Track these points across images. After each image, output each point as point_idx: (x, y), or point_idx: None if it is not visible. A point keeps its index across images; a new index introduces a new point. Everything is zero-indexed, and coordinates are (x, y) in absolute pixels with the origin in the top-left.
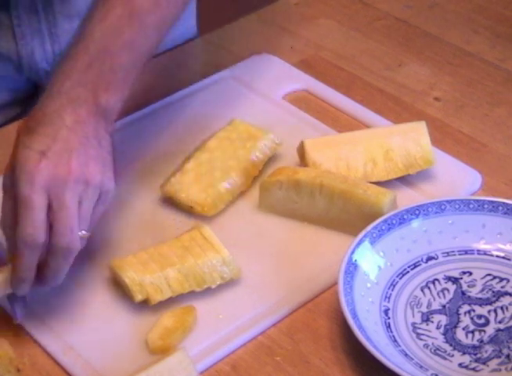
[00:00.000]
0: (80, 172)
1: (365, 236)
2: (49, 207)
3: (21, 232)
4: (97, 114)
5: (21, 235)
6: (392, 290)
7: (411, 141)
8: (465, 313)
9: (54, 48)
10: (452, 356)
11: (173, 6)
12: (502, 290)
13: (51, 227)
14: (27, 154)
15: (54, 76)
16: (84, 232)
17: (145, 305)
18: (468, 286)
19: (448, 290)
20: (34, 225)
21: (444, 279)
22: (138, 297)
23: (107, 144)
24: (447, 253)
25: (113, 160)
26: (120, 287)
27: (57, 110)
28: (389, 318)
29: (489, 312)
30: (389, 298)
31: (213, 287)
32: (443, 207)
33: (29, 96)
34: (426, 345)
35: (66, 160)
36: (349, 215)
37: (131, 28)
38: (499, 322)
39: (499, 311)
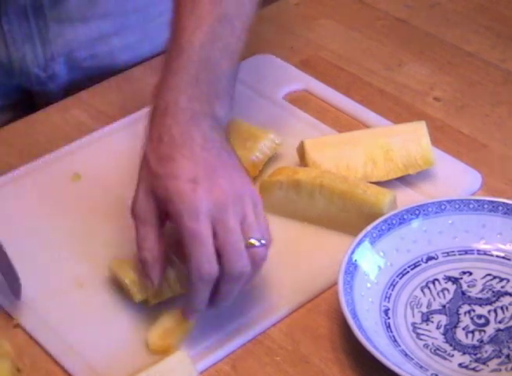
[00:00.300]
0: (232, 191)
1: (365, 236)
2: (214, 234)
3: (196, 268)
4: (217, 126)
5: (197, 271)
6: (392, 290)
7: (411, 141)
8: (465, 313)
9: (45, 52)
10: (452, 356)
11: (253, 5)
12: (502, 290)
13: (219, 255)
14: (179, 185)
15: (162, 91)
16: (263, 240)
17: (145, 305)
18: (468, 286)
19: (448, 290)
20: (210, 260)
21: (444, 279)
22: (138, 297)
23: (233, 151)
24: (447, 253)
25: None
26: (120, 288)
27: (185, 131)
28: (389, 318)
29: (489, 312)
30: (389, 298)
31: None
32: (443, 207)
33: (20, 101)
34: (426, 345)
35: (217, 182)
36: (349, 215)
37: (225, 34)
38: (499, 322)
39: (499, 311)
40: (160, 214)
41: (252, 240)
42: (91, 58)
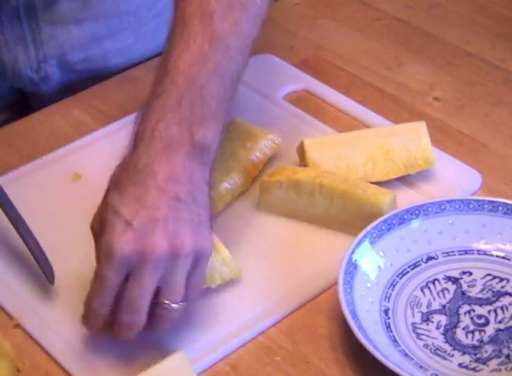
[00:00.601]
0: (166, 247)
1: (365, 236)
2: (127, 279)
3: (88, 300)
4: (194, 157)
5: (87, 303)
6: (392, 290)
7: (411, 141)
8: (465, 313)
9: (38, 54)
10: (452, 356)
11: (253, 26)
12: (503, 290)
13: (119, 299)
14: (114, 221)
15: (144, 115)
16: (176, 305)
17: None
18: (468, 286)
19: (448, 290)
20: (101, 302)
21: (444, 279)
22: None
23: (203, 196)
24: (447, 253)
25: (210, 212)
26: None
27: (151, 164)
28: (389, 318)
29: (489, 312)
30: (389, 298)
31: (213, 287)
32: (443, 207)
33: (15, 103)
34: (426, 345)
35: (151, 233)
36: (349, 215)
37: (216, 54)
38: (499, 322)
39: (499, 311)
40: None
41: (164, 301)
42: (84, 60)
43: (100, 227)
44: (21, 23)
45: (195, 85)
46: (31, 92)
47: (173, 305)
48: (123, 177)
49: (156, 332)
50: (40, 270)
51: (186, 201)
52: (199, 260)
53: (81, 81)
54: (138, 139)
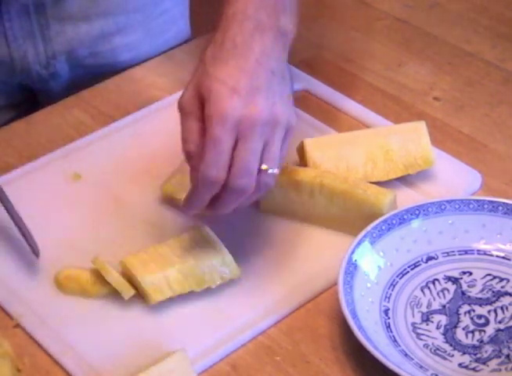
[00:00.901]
0: (268, 113)
1: (365, 236)
2: (234, 146)
3: (204, 170)
4: (280, 40)
5: (204, 173)
6: (392, 290)
7: (411, 141)
8: (465, 313)
9: (47, 50)
10: (452, 356)
11: None
12: (503, 290)
13: (230, 166)
14: (220, 89)
15: (229, 1)
16: (276, 170)
17: (145, 306)
18: (468, 286)
19: (448, 290)
20: (219, 167)
21: (444, 279)
22: (154, 298)
23: (288, 75)
24: (447, 253)
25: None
26: (132, 285)
27: (247, 41)
28: (389, 318)
29: (489, 312)
30: (389, 298)
31: (213, 287)
32: (443, 207)
33: (23, 101)
34: (426, 345)
35: (256, 99)
36: (349, 215)
37: None
38: (499, 322)
39: (499, 311)
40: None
41: (264, 166)
42: (93, 56)
43: (203, 98)
44: (30, 19)
45: None
46: (40, 88)
47: (273, 171)
48: (222, 52)
49: (255, 199)
50: (28, 248)
51: (278, 76)
52: (288, 131)
53: (89, 77)
54: (228, 19)
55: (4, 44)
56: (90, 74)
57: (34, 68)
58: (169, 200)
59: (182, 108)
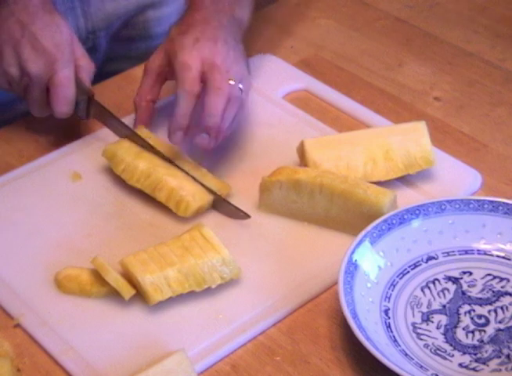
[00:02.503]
0: (228, 56)
1: (365, 236)
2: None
3: (182, 84)
4: (235, 24)
5: (182, 85)
6: (392, 290)
7: (411, 141)
8: (465, 313)
9: (87, 26)
10: (453, 356)
11: None
12: (503, 290)
13: (204, 80)
14: (184, 39)
15: None
16: (240, 85)
17: (145, 306)
18: (468, 286)
19: (448, 290)
20: (194, 79)
21: (444, 279)
22: (154, 298)
23: (241, 47)
24: (447, 253)
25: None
26: (132, 285)
27: (205, 19)
28: (389, 318)
29: (489, 312)
30: (389, 298)
31: (213, 287)
32: (443, 207)
33: None
34: (426, 345)
35: (216, 45)
36: (349, 215)
37: None
38: (499, 322)
39: (499, 311)
40: (161, 71)
41: (231, 82)
42: (127, 28)
43: (169, 52)
44: None
45: None
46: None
47: (240, 86)
48: (183, 26)
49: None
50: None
51: (234, 47)
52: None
53: (123, 52)
54: (188, 9)
55: None
56: (125, 48)
57: None
58: None
59: (145, 67)
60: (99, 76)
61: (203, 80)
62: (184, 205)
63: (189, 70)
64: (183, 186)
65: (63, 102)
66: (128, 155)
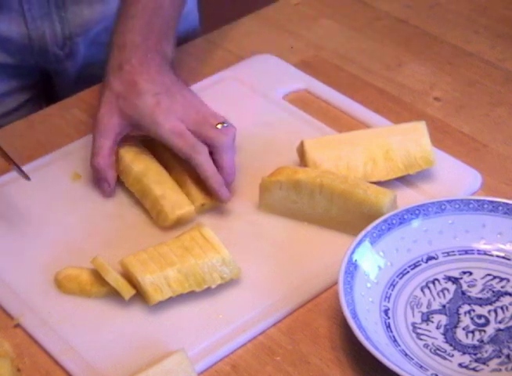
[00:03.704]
0: (188, 103)
1: (365, 236)
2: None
3: (196, 157)
4: (165, 61)
5: (192, 151)
6: (392, 290)
7: (411, 141)
8: (465, 313)
9: (64, 31)
10: (452, 356)
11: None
12: (503, 290)
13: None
14: (146, 100)
15: (118, 32)
16: (225, 124)
17: (145, 306)
18: (468, 286)
19: (448, 290)
20: (198, 146)
21: (444, 279)
22: (155, 298)
23: (181, 81)
24: (447, 253)
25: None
26: (132, 285)
27: (143, 62)
28: (389, 318)
29: (489, 312)
30: (389, 298)
31: (213, 287)
32: (443, 207)
33: (37, 82)
34: (426, 345)
35: (175, 97)
36: (349, 215)
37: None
38: (499, 322)
39: (499, 311)
40: (120, 131)
41: (218, 126)
42: (106, 32)
43: (132, 116)
44: (48, 0)
45: (161, 10)
46: (55, 69)
47: (225, 124)
48: (124, 75)
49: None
50: None
51: (177, 81)
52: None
53: (102, 56)
54: (119, 48)
55: (23, 25)
56: (104, 53)
57: (52, 49)
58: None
59: (97, 129)
60: (78, 81)
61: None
62: (162, 216)
63: (185, 135)
64: (166, 196)
65: None
66: (128, 154)
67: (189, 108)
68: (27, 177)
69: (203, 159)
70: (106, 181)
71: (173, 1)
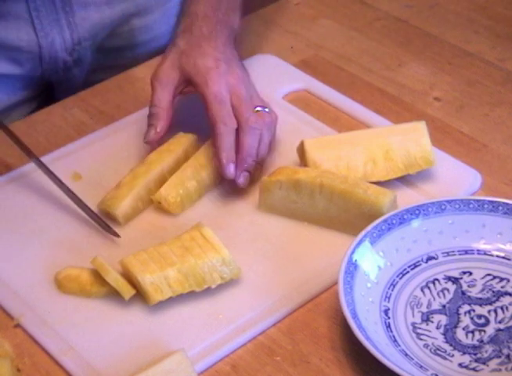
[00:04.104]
0: (244, 79)
1: (365, 236)
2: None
3: (222, 121)
4: (232, 34)
5: (222, 123)
6: (392, 290)
7: (411, 141)
8: (465, 313)
9: (73, 37)
10: (452, 356)
11: None
12: (503, 290)
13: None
14: (207, 61)
15: (189, 6)
16: (266, 109)
17: (145, 306)
18: (468, 286)
19: (448, 290)
20: (230, 115)
21: (444, 279)
22: (154, 298)
23: (239, 59)
24: (447, 253)
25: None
26: (132, 284)
27: (213, 30)
28: (389, 318)
29: (489, 312)
30: (389, 297)
31: (213, 287)
32: (443, 207)
33: (41, 93)
34: (426, 345)
35: (233, 68)
36: (349, 215)
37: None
38: (499, 322)
39: (499, 311)
40: (178, 85)
41: (258, 108)
42: (113, 37)
43: (186, 73)
44: (55, 6)
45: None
46: (62, 77)
47: (266, 109)
48: (193, 39)
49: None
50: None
51: (238, 58)
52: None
53: (108, 63)
54: (191, 17)
55: (32, 33)
56: (111, 57)
57: (61, 55)
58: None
59: (158, 79)
60: (85, 86)
61: (234, 113)
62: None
63: (224, 104)
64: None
65: None
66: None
67: (240, 83)
68: (115, 234)
69: (225, 131)
70: (156, 128)
71: None
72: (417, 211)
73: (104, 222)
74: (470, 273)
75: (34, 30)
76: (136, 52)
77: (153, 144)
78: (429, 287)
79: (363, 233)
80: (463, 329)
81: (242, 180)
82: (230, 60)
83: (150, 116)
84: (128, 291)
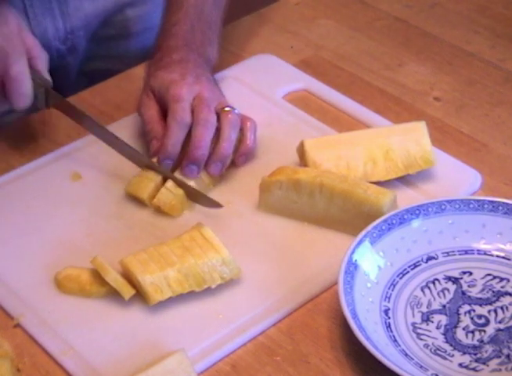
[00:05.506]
0: (212, 89)
1: (365, 236)
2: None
3: (173, 116)
4: (208, 63)
5: (173, 117)
6: (392, 290)
7: (411, 141)
8: (465, 313)
9: (66, 26)
10: (453, 356)
11: None
12: (503, 290)
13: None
14: (172, 76)
15: (162, 38)
16: (236, 110)
17: (145, 306)
18: (468, 286)
19: (448, 290)
20: (184, 110)
21: (444, 279)
22: (154, 298)
23: (219, 87)
24: (447, 253)
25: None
26: (131, 284)
27: (182, 58)
28: (389, 318)
29: (489, 312)
30: (389, 297)
31: (213, 287)
32: (443, 207)
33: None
34: (426, 345)
35: (201, 80)
36: (349, 215)
37: None
38: (499, 322)
39: (499, 311)
40: (161, 106)
41: (226, 108)
42: (107, 27)
43: (159, 89)
44: None
45: (203, 15)
46: (57, 65)
47: (235, 110)
48: (161, 63)
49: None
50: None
51: (213, 79)
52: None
53: (102, 52)
54: (164, 51)
55: (25, 21)
56: (104, 47)
57: (54, 44)
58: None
59: (141, 112)
60: (79, 75)
61: (193, 113)
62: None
63: (181, 101)
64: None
65: (20, 97)
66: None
67: (206, 90)
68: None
69: (174, 126)
70: (156, 139)
71: (214, 5)
72: (417, 211)
73: (205, 195)
74: (470, 273)
75: (27, 18)
76: (129, 42)
77: (154, 155)
78: (429, 287)
79: (363, 233)
80: (463, 329)
81: (187, 172)
82: (199, 75)
83: (147, 133)
84: (127, 291)
